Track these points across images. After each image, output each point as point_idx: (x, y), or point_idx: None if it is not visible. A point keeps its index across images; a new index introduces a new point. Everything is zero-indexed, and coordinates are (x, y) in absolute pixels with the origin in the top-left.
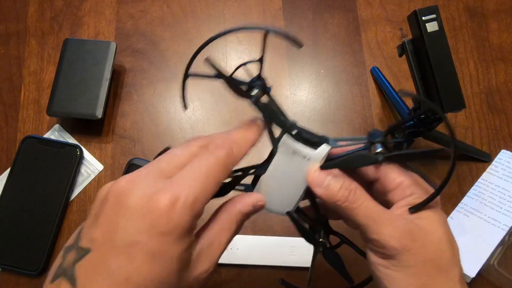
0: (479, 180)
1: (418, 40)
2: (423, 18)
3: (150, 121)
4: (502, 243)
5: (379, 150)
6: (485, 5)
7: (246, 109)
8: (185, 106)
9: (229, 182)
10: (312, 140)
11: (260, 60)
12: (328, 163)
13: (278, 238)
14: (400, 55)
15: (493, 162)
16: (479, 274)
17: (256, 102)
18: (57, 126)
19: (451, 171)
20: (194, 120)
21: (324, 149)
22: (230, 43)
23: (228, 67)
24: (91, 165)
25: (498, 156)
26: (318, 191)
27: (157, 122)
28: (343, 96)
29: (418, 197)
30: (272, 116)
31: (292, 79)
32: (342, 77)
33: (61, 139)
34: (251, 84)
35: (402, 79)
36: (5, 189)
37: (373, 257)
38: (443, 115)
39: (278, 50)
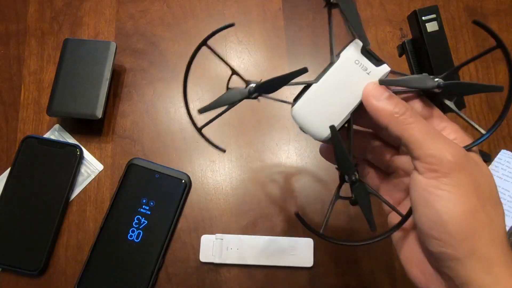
0: None
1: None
2: (423, 18)
3: (150, 121)
4: None
5: (438, 79)
6: (485, 5)
7: (247, 109)
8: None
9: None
10: (376, 58)
11: None
12: (388, 80)
13: (278, 238)
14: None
15: (493, 162)
16: None
17: None
18: (57, 126)
19: (507, 108)
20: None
21: (385, 67)
22: (230, 43)
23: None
24: (91, 165)
25: (498, 156)
26: (375, 103)
27: (157, 122)
28: None
29: (462, 142)
30: (352, 18)
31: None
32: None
33: (61, 139)
34: None
35: None
36: (5, 189)
37: (421, 179)
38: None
39: (277, 50)
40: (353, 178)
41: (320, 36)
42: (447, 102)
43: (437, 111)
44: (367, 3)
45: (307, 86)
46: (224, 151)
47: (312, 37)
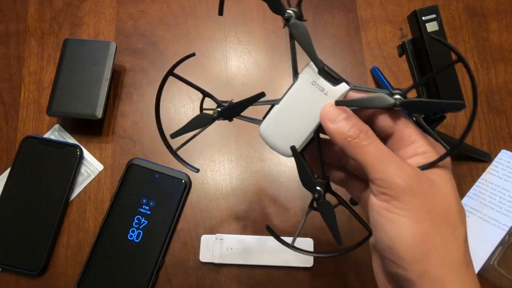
0: (479, 180)
1: (418, 40)
2: (423, 18)
3: (150, 121)
4: (502, 243)
5: (397, 96)
6: (485, 5)
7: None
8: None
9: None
10: (334, 77)
11: None
12: (344, 100)
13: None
14: (400, 55)
15: (493, 162)
16: (479, 274)
17: (288, 21)
18: (57, 126)
19: (471, 123)
20: None
21: (343, 87)
22: (230, 43)
23: (228, 67)
24: (91, 165)
25: (498, 156)
26: (330, 126)
27: None
28: None
29: (430, 157)
30: (303, 41)
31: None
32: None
33: (61, 139)
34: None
35: (402, 79)
36: (5, 189)
37: (375, 202)
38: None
39: (277, 50)
40: (316, 195)
41: (320, 36)
42: (414, 116)
43: (405, 124)
44: (367, 3)
45: (272, 106)
46: (197, 171)
47: (312, 37)
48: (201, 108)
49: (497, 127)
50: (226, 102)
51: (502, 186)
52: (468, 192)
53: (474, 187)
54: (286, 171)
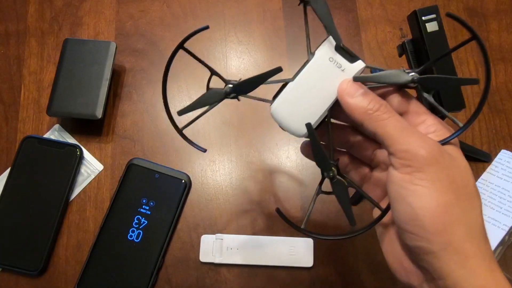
0: (479, 180)
1: (418, 40)
2: (423, 18)
3: (150, 121)
4: (502, 243)
5: (413, 73)
6: (485, 5)
7: (247, 109)
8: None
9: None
10: (350, 54)
11: None
12: (362, 76)
13: (278, 238)
14: (400, 55)
15: (493, 162)
16: None
17: None
18: (57, 126)
19: (483, 101)
20: None
21: (360, 63)
22: (230, 43)
23: (228, 67)
24: (91, 165)
25: (498, 156)
26: (350, 100)
27: (157, 122)
28: None
29: (441, 135)
30: (324, 15)
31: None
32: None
33: (61, 139)
34: None
35: None
36: (5, 189)
37: (396, 175)
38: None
39: (277, 50)
40: (331, 174)
41: (320, 36)
42: (425, 95)
43: (416, 104)
44: (367, 3)
45: (284, 84)
46: (205, 151)
47: (312, 37)
48: (208, 88)
49: (497, 127)
50: (234, 81)
51: (502, 186)
52: None
53: None
54: (286, 171)
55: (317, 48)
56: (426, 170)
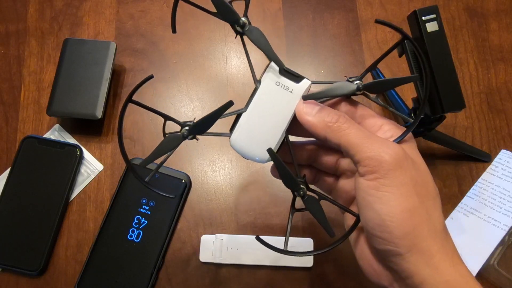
0: (479, 180)
1: (418, 40)
2: (423, 18)
3: (150, 121)
4: (502, 243)
5: (357, 82)
6: (485, 5)
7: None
8: (174, 30)
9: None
10: (294, 74)
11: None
12: (310, 94)
13: (278, 238)
14: (400, 55)
15: (493, 162)
16: (479, 274)
17: (243, 28)
18: (57, 126)
19: (425, 97)
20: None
21: (306, 82)
22: (230, 43)
23: (228, 67)
24: (91, 165)
25: (498, 156)
26: (309, 119)
27: (157, 122)
28: None
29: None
30: (262, 43)
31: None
32: (342, 77)
33: (61, 139)
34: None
35: None
36: (5, 189)
37: (363, 182)
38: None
39: (277, 50)
40: (301, 192)
41: (320, 36)
42: (371, 97)
43: (367, 111)
44: (367, 3)
45: (239, 115)
46: (173, 197)
47: (312, 37)
48: (164, 132)
49: (497, 127)
50: (190, 121)
51: (502, 186)
52: (468, 192)
53: (474, 187)
54: None
55: (262, 75)
56: (390, 176)
